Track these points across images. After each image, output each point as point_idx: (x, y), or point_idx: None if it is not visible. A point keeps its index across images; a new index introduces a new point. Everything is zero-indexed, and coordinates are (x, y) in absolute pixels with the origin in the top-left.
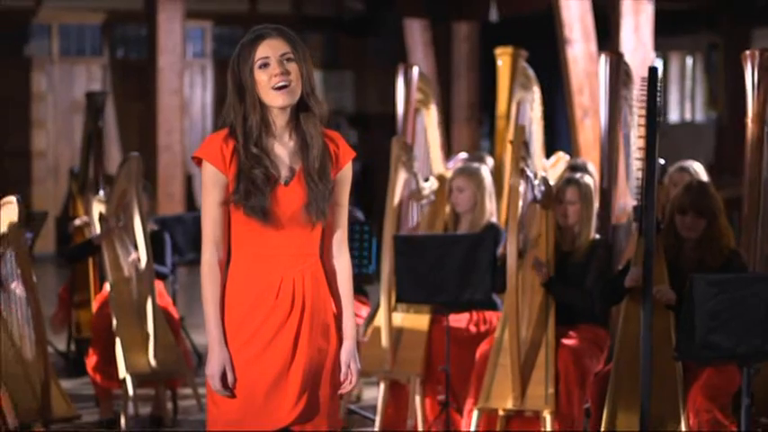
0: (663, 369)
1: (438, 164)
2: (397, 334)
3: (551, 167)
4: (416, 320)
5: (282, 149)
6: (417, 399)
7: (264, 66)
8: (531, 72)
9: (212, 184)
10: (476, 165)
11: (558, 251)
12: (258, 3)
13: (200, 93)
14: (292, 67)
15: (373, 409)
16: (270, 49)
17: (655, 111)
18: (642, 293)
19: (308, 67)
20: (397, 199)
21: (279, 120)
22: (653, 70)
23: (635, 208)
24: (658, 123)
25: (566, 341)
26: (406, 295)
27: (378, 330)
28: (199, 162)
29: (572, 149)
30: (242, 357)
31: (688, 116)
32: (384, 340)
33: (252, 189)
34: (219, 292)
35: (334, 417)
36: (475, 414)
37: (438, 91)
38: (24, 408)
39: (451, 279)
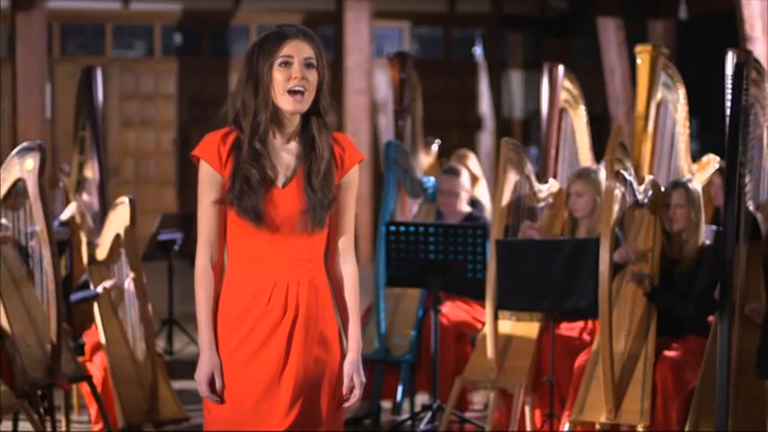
0: (750, 388)
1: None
2: (505, 342)
3: (699, 170)
4: (526, 328)
5: (286, 151)
6: (527, 409)
7: (285, 64)
8: (675, 71)
9: (208, 184)
10: (596, 169)
11: (665, 259)
12: (457, 2)
13: None
14: (312, 73)
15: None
16: (295, 50)
17: (739, 110)
18: (720, 306)
19: (326, 73)
20: (504, 201)
21: (289, 121)
22: (739, 67)
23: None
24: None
25: (667, 353)
26: (507, 302)
27: (485, 339)
28: (197, 161)
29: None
30: (231, 363)
31: None
32: (489, 349)
33: (246, 188)
34: (212, 295)
35: (336, 429)
36: (566, 426)
37: (632, 91)
38: (134, 408)
39: (554, 286)
